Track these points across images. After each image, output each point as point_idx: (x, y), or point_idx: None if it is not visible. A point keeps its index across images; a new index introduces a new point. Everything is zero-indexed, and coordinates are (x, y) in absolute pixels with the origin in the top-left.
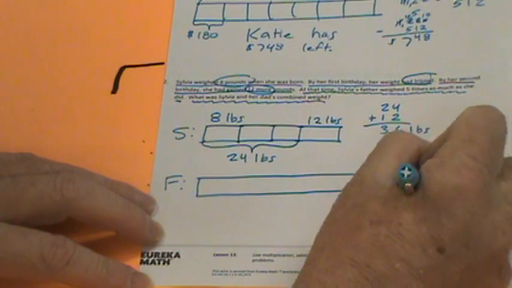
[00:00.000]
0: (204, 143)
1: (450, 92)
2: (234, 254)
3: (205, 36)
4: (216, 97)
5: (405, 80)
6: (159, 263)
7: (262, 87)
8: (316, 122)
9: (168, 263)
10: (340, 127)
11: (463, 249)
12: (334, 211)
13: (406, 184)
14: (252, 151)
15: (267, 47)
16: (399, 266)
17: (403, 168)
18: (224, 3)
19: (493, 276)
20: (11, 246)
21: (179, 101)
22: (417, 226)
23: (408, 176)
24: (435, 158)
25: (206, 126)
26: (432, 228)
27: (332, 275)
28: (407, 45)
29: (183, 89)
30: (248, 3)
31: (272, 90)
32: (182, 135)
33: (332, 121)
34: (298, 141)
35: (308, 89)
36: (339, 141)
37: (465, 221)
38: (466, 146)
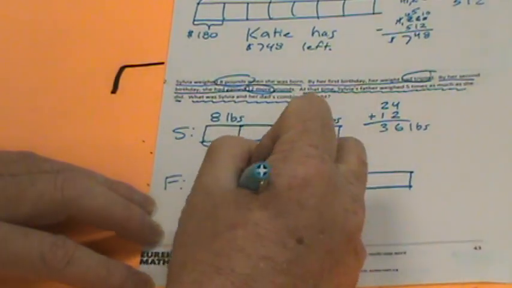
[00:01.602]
0: (204, 143)
1: (450, 89)
2: None
3: (205, 36)
4: (215, 97)
5: (405, 77)
6: (159, 263)
7: (262, 87)
8: None
9: (168, 263)
10: (340, 126)
11: (320, 235)
12: (184, 225)
13: (262, 182)
14: None
15: (267, 46)
16: (263, 265)
17: (259, 167)
18: (224, 3)
19: (350, 257)
20: (12, 246)
21: (179, 101)
22: (273, 223)
23: (265, 173)
24: (277, 154)
25: (206, 126)
26: (288, 222)
27: (199, 285)
28: (407, 43)
29: (183, 89)
30: (248, 3)
31: (272, 89)
32: (182, 135)
33: None
34: None
35: (308, 89)
36: None
37: (317, 208)
38: (303, 136)
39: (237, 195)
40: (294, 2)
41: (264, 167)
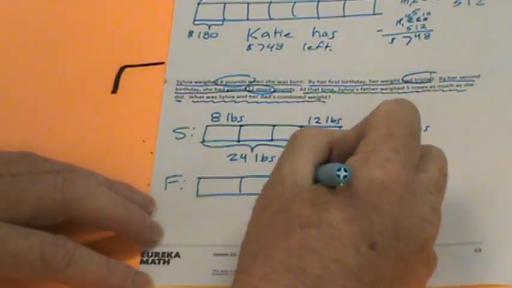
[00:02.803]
0: (204, 143)
1: (450, 90)
2: (234, 254)
3: (206, 36)
4: (216, 97)
5: (405, 78)
6: (159, 263)
7: (262, 87)
8: (316, 122)
9: (168, 263)
10: (340, 127)
11: (394, 242)
12: (258, 215)
13: (341, 184)
14: (252, 151)
15: (267, 46)
16: (334, 267)
17: (339, 169)
18: (224, 3)
19: (422, 265)
20: (12, 246)
21: (179, 101)
22: (347, 225)
23: (345, 177)
24: (358, 155)
25: (206, 126)
26: (362, 226)
27: (268, 282)
28: (407, 44)
29: (183, 89)
30: (248, 3)
31: (272, 90)
32: (182, 135)
33: (332, 121)
34: None
35: (308, 89)
36: None
37: (393, 214)
38: (387, 140)
39: (314, 193)
40: (295, 2)
41: (345, 170)
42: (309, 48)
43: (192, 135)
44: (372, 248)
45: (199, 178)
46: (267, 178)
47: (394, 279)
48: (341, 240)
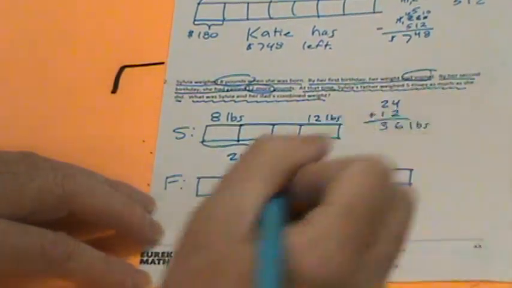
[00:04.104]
0: (204, 143)
1: (450, 88)
2: None
3: (206, 36)
4: (216, 97)
5: (405, 76)
6: (158, 263)
7: (262, 86)
8: (316, 120)
9: (168, 263)
10: (340, 124)
11: None
12: (183, 260)
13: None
14: None
15: (267, 46)
16: None
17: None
18: (224, 3)
19: None
20: (12, 242)
21: (179, 101)
22: None
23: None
24: (305, 235)
25: (206, 126)
26: None
27: None
28: (407, 42)
29: (183, 89)
30: (248, 3)
31: (272, 89)
32: (182, 135)
33: (332, 119)
34: None
35: (308, 88)
36: (338, 138)
37: None
38: (342, 222)
39: (250, 249)
40: (294, 1)
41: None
42: (309, 47)
43: (192, 135)
44: None
45: (199, 178)
46: None
47: None
48: None
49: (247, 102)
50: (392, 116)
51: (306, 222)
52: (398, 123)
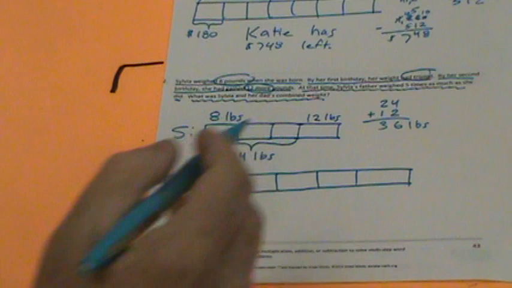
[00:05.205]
0: None
1: (449, 87)
2: None
3: (205, 36)
4: (215, 96)
5: (404, 75)
6: None
7: (261, 86)
8: (315, 119)
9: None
10: (339, 124)
11: None
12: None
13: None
14: (251, 149)
15: (266, 45)
16: None
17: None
18: (223, 2)
19: None
20: None
21: (178, 100)
22: None
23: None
24: (164, 230)
25: (205, 125)
26: None
27: None
28: (406, 41)
29: (183, 88)
30: (247, 2)
31: (271, 88)
32: (181, 134)
33: (331, 118)
34: (297, 138)
35: (307, 87)
36: (338, 137)
37: None
38: (201, 217)
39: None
40: (294, 0)
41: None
42: (308, 46)
43: (191, 134)
44: None
45: None
46: (265, 176)
47: None
48: None
49: (247, 101)
50: (392, 115)
51: (171, 216)
52: (397, 122)
